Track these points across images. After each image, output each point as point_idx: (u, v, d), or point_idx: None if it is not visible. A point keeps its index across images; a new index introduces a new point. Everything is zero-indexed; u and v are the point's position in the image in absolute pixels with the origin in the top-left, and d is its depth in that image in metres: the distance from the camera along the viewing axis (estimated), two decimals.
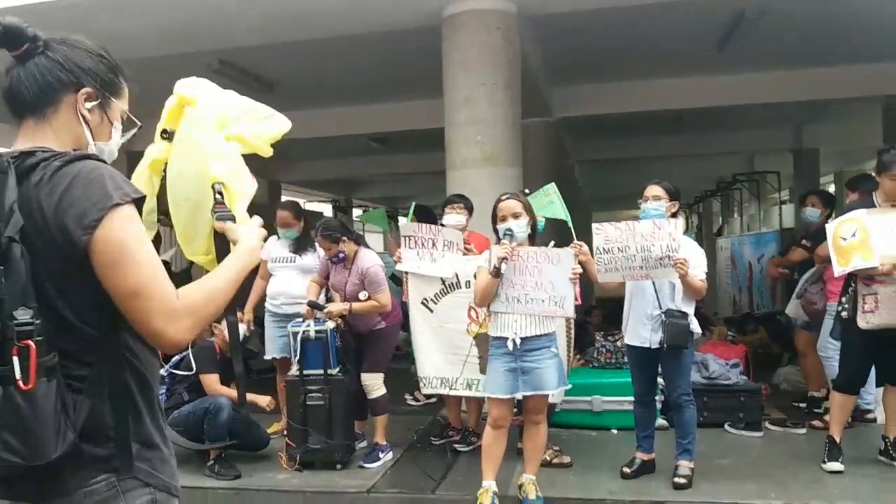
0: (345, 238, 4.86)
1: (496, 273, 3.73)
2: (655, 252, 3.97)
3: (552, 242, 4.00)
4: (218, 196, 1.60)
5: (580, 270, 3.83)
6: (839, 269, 4.22)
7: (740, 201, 17.68)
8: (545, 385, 3.85)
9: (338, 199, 18.15)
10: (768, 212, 18.70)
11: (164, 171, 1.70)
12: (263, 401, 4.88)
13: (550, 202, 4.82)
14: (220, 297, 1.47)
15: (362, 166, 16.23)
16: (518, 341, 3.82)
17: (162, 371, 5.03)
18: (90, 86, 1.48)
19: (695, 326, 4.22)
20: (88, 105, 1.49)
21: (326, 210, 20.42)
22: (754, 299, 11.43)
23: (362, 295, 4.82)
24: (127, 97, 1.59)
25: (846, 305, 4.33)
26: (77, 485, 1.39)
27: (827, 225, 4.44)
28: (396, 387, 5.79)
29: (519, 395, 3.92)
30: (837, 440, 4.43)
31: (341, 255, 4.88)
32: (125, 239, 1.36)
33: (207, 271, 1.59)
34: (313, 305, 4.88)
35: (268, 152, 1.77)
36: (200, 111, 1.67)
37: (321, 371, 4.73)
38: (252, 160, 1.71)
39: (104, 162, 1.43)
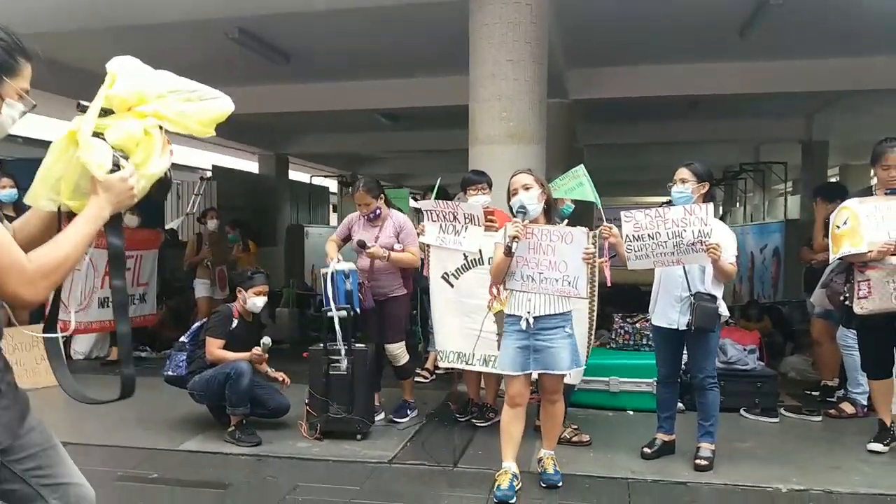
0: (381, 195, 5.08)
1: (508, 251, 3.68)
2: (687, 237, 3.96)
3: (565, 221, 3.93)
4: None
5: (593, 250, 3.77)
6: (832, 256, 4.39)
7: (744, 191, 17.67)
8: (556, 365, 3.78)
9: (343, 175, 18.05)
10: (773, 202, 18.71)
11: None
12: (279, 376, 4.98)
13: (580, 184, 4.80)
14: (71, 259, 1.59)
15: (369, 142, 16.14)
16: (531, 320, 3.77)
17: (183, 338, 5.05)
18: None
19: (723, 310, 4.23)
20: None
21: (332, 185, 20.34)
22: (755, 289, 11.46)
23: (397, 247, 4.98)
24: (27, 76, 1.66)
25: (847, 294, 4.42)
26: None
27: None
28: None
29: (534, 374, 3.89)
30: (887, 423, 4.56)
31: (378, 212, 5.05)
32: None
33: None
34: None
35: (203, 133, 1.85)
36: (115, 91, 1.74)
37: (344, 342, 4.73)
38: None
39: None
